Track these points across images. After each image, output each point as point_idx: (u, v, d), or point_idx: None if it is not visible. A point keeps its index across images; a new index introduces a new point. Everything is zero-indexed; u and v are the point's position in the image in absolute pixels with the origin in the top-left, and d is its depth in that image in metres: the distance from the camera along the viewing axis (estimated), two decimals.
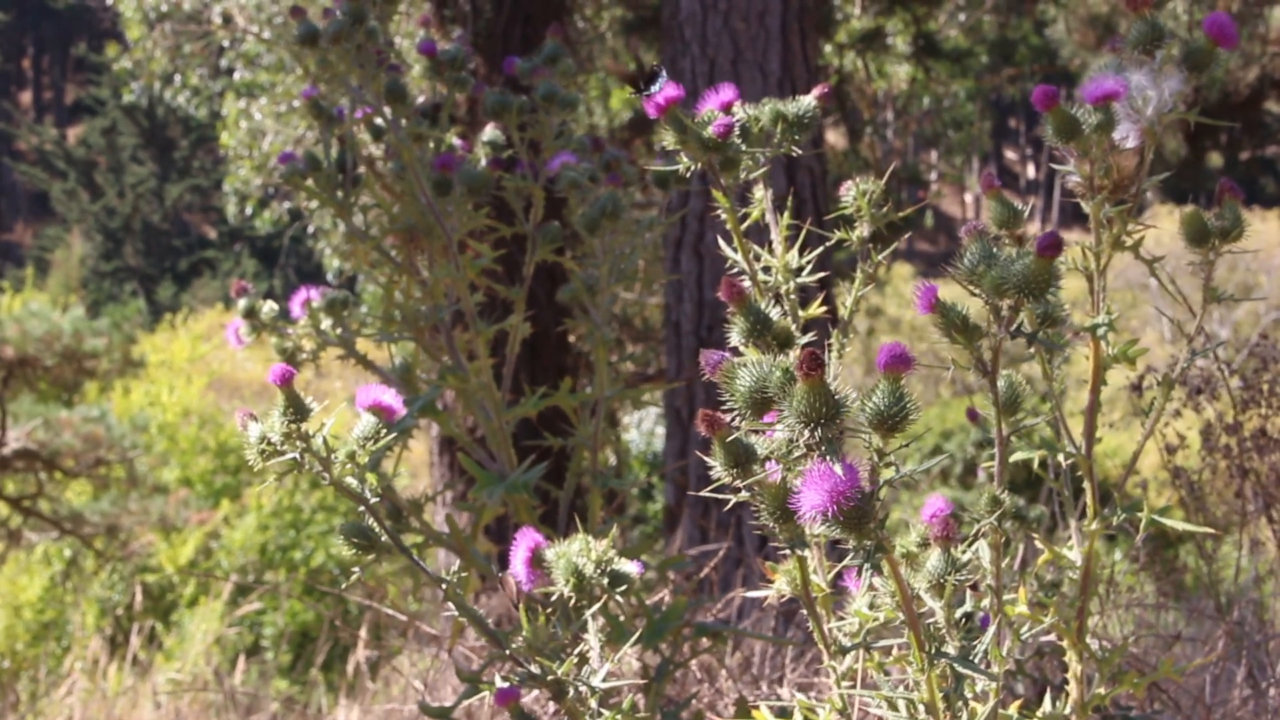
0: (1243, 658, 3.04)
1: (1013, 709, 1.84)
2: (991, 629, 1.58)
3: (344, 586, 2.07)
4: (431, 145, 3.10)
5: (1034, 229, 1.76)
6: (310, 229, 13.09)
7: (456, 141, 3.31)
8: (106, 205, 42.26)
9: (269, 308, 3.09)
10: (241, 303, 3.07)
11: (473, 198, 2.98)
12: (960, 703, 1.57)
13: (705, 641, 2.74)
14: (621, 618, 2.62)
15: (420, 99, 3.21)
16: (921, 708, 1.51)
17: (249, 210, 13.73)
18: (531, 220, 3.05)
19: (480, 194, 2.97)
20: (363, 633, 6.41)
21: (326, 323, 3.07)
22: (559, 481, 3.05)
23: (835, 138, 14.13)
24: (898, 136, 20.20)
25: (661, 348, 10.22)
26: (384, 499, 2.93)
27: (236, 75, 13.15)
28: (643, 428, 15.52)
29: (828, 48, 11.06)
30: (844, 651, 1.66)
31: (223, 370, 19.52)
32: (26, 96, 58.79)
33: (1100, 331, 1.70)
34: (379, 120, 3.00)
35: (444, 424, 2.93)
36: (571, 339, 8.46)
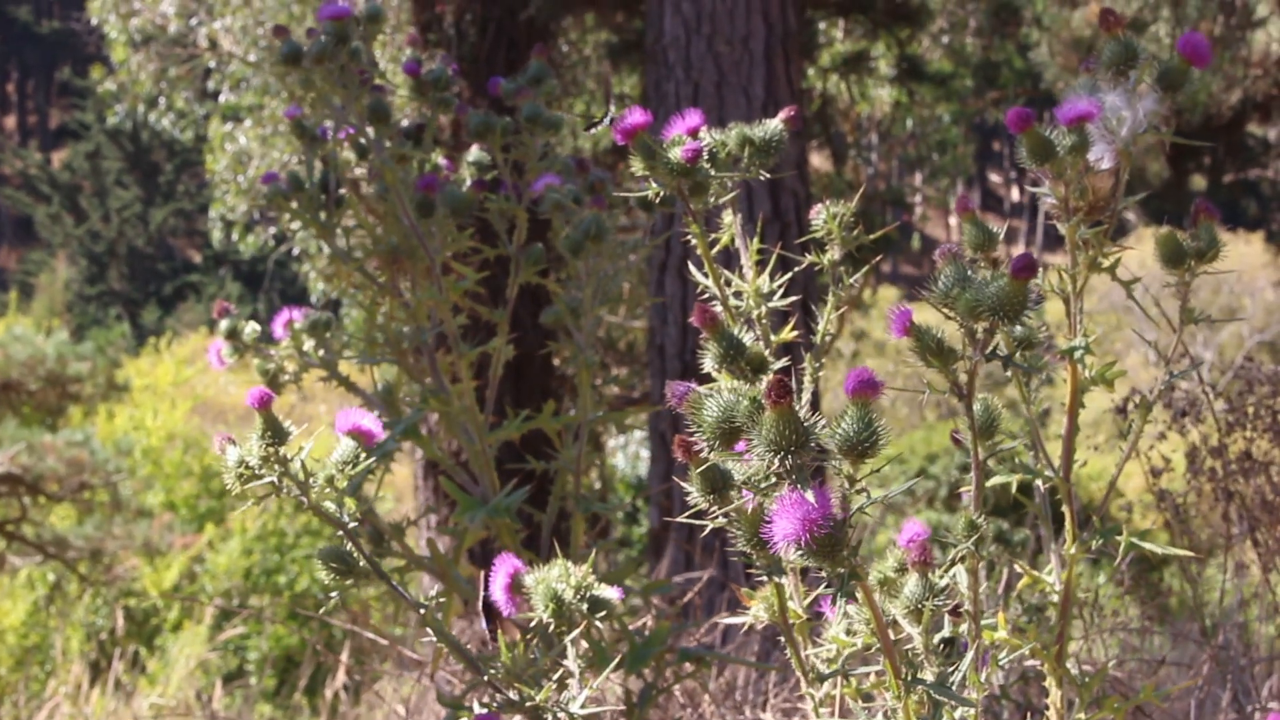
0: (1228, 682, 3.04)
1: None
2: (969, 654, 1.58)
3: (322, 610, 2.06)
4: (415, 166, 3.09)
5: (1018, 251, 1.76)
6: (295, 252, 13.06)
7: (442, 162, 3.30)
8: (91, 229, 42.15)
9: (251, 329, 3.07)
10: (223, 324, 3.05)
11: (456, 219, 2.96)
12: None
13: (688, 666, 2.72)
14: (604, 643, 2.60)
15: (405, 121, 3.19)
16: None
17: (234, 236, 13.71)
18: (515, 242, 3.04)
19: (463, 215, 2.96)
20: (344, 657, 6.37)
21: (309, 344, 3.05)
22: (543, 505, 3.03)
23: (820, 160, 14.16)
24: (883, 159, 20.29)
25: (646, 371, 10.22)
26: (365, 523, 2.92)
27: (222, 98, 13.13)
28: (628, 451, 15.50)
29: (811, 71, 11.11)
30: (822, 679, 1.64)
31: (207, 394, 19.45)
32: (11, 121, 58.69)
33: (1077, 354, 1.70)
34: (363, 141, 2.99)
35: (426, 447, 2.92)
36: (556, 362, 8.45)
